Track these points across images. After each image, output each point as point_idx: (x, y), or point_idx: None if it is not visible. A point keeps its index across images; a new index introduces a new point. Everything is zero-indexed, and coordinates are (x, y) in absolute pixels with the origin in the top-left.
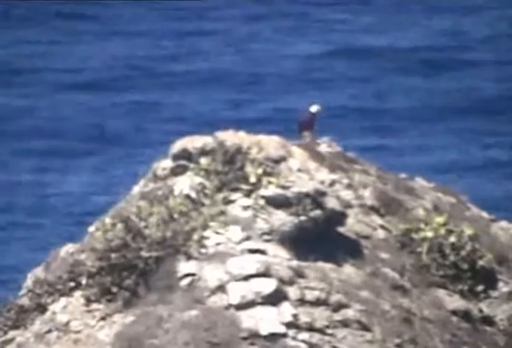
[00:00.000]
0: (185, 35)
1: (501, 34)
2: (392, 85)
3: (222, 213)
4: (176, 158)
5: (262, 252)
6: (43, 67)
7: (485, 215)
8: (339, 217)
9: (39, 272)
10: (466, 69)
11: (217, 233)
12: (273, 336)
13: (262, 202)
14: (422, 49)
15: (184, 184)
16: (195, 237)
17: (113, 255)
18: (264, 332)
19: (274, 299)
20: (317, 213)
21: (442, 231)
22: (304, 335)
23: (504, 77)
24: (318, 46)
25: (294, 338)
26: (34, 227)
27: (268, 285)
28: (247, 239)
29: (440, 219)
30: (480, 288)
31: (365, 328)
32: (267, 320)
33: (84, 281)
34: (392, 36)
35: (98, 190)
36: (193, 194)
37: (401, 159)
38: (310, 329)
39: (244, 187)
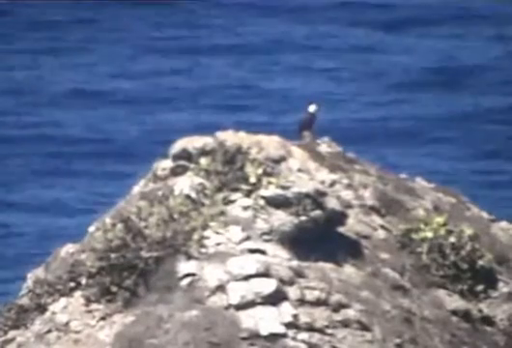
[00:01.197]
0: (185, 42)
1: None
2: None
3: (222, 213)
4: (176, 158)
5: (262, 252)
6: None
7: (485, 215)
8: (339, 218)
9: (39, 272)
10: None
11: (217, 233)
12: (273, 337)
13: (262, 202)
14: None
15: (185, 184)
16: (195, 237)
17: (113, 255)
18: (264, 332)
19: (274, 299)
20: (317, 213)
21: (442, 231)
22: (304, 336)
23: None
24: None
25: (294, 338)
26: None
27: (268, 285)
28: (247, 239)
29: (440, 220)
30: (480, 288)
31: (365, 328)
32: (267, 320)
33: (84, 281)
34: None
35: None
36: (193, 194)
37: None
38: (310, 329)
39: (244, 187)
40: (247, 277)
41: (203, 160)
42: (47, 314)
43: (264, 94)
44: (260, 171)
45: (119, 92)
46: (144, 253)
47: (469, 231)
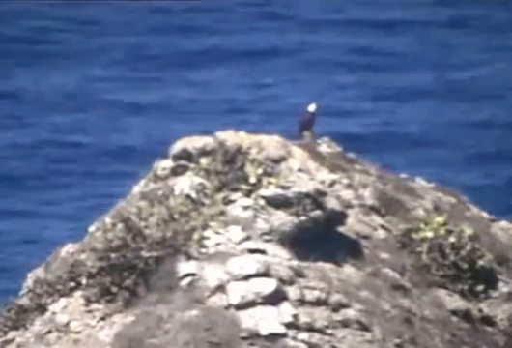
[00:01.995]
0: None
1: None
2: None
3: (222, 213)
4: (176, 158)
5: (262, 252)
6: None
7: (485, 215)
8: (339, 217)
9: (39, 272)
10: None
11: (217, 233)
12: (273, 336)
13: (262, 202)
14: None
15: (185, 184)
16: (195, 237)
17: (113, 255)
18: (264, 332)
19: (274, 299)
20: (317, 213)
21: (442, 231)
22: (304, 336)
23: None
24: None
25: (294, 338)
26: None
27: (268, 285)
28: (247, 239)
29: (440, 219)
30: (480, 288)
31: (365, 328)
32: (267, 320)
33: (84, 281)
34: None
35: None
36: (193, 194)
37: None
38: (310, 329)
39: (244, 187)
40: (247, 277)
41: (203, 160)
42: (47, 314)
43: (263, 99)
44: (260, 171)
45: (117, 97)
46: (144, 253)
47: (469, 231)
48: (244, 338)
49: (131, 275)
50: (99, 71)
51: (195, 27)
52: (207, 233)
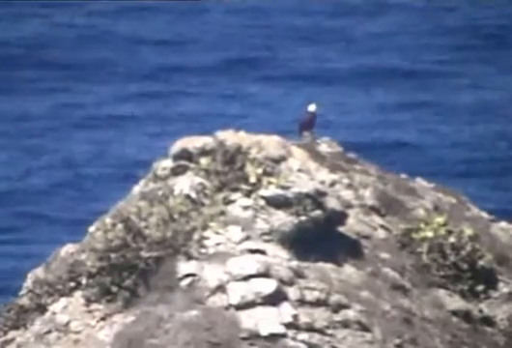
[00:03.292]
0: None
1: None
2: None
3: (222, 213)
4: (176, 158)
5: (262, 252)
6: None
7: (485, 215)
8: (339, 218)
9: (39, 272)
10: None
11: (217, 233)
12: (273, 337)
13: (262, 202)
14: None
15: (185, 184)
16: (195, 237)
17: (113, 255)
18: (264, 332)
19: (274, 299)
20: (317, 213)
21: (443, 231)
22: (304, 336)
23: None
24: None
25: (293, 339)
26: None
27: (268, 285)
28: (247, 239)
29: (440, 220)
30: (480, 288)
31: (365, 328)
32: (267, 320)
33: (84, 281)
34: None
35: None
36: (193, 194)
37: None
38: (310, 329)
39: (244, 187)
40: (247, 278)
41: (203, 160)
42: (47, 314)
43: (258, 109)
44: (260, 171)
45: (115, 109)
46: (144, 253)
47: (469, 231)
48: (244, 339)
49: (131, 275)
50: (97, 83)
51: (188, 38)
52: (207, 233)
